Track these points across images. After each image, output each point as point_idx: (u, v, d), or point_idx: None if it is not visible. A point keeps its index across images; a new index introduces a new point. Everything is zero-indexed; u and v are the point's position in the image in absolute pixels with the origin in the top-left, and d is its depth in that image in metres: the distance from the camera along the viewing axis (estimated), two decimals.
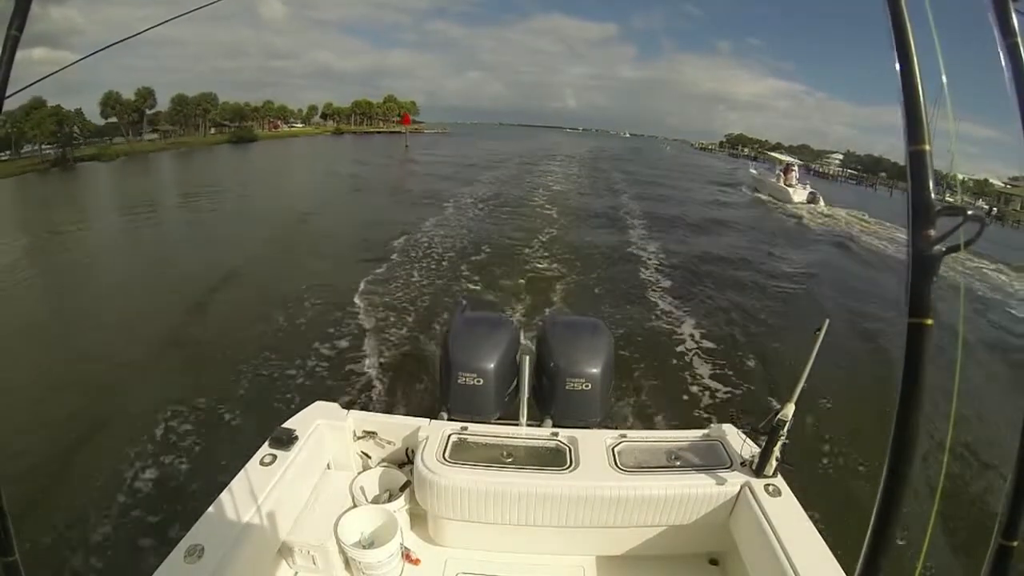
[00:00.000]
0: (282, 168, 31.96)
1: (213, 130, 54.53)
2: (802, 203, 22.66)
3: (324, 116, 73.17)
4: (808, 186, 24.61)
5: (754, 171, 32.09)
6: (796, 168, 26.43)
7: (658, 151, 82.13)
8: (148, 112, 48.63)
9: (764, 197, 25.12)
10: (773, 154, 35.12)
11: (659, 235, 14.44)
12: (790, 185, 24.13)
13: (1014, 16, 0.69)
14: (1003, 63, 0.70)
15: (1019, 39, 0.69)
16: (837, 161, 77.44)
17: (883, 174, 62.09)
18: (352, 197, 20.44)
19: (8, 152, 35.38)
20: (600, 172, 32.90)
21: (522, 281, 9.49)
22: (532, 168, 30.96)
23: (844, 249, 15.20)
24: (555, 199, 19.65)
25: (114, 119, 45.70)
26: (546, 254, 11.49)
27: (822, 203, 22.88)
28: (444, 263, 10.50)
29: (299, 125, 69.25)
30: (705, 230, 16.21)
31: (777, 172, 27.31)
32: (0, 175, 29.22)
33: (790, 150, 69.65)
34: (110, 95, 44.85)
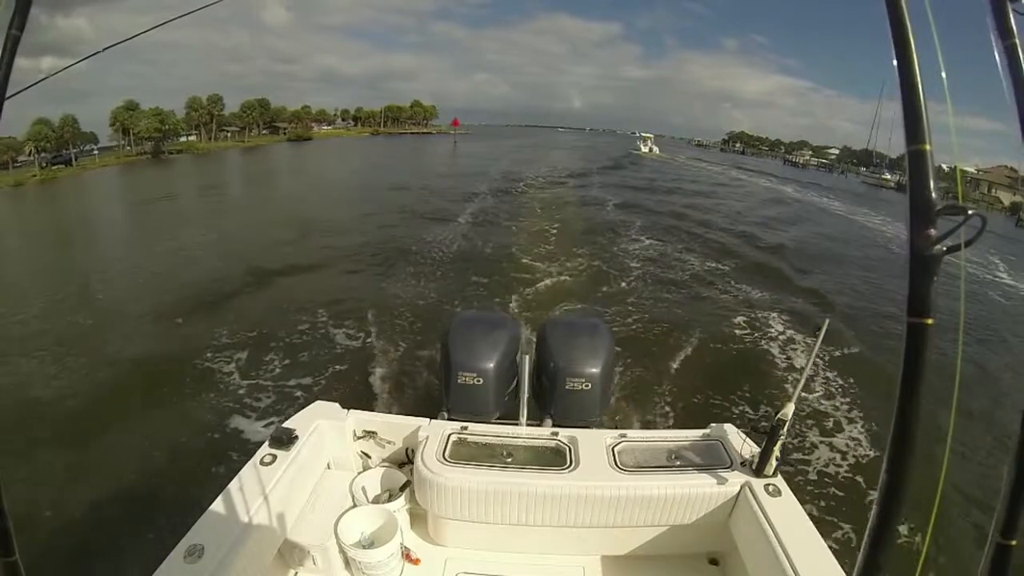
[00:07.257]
0: (379, 157, 42.13)
1: (254, 131, 56.92)
2: (646, 152, 53.27)
3: (356, 119, 76.65)
4: (652, 145, 56.26)
5: (637, 142, 62.56)
6: (651, 140, 58.45)
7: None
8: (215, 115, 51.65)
9: (633, 151, 53.91)
10: (642, 133, 65.84)
11: (595, 159, 40.56)
12: (644, 146, 55.57)
13: (1012, 17, 0.69)
14: (1000, 64, 0.70)
15: (1017, 40, 0.70)
16: (828, 154, 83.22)
17: (873, 166, 64.08)
18: (444, 167, 33.69)
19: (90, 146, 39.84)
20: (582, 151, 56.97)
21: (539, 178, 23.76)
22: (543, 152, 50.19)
23: (642, 159, 47.24)
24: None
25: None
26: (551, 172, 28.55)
27: (656, 151, 54.47)
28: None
29: (327, 127, 70.98)
30: (609, 157, 44.11)
31: (639, 142, 59.20)
32: (109, 164, 36.67)
33: (789, 145, 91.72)
34: (194, 99, 49.06)
